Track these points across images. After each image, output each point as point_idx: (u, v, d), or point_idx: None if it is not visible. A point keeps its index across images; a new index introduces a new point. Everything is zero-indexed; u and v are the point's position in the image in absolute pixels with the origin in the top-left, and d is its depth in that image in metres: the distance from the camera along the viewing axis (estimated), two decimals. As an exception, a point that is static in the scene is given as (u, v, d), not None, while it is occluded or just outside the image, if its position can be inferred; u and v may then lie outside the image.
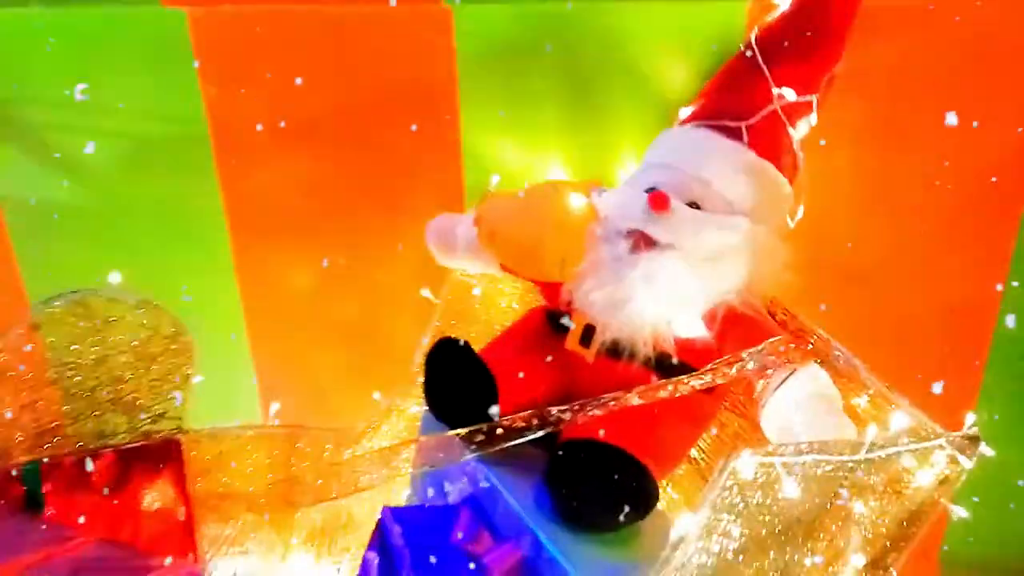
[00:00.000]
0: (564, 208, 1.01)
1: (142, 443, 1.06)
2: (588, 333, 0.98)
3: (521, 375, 0.98)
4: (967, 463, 0.74)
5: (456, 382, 0.97)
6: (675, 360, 0.94)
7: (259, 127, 1.19)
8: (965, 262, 1.20)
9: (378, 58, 1.19)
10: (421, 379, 1.02)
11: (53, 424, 1.11)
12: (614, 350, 0.95)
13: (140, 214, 1.23)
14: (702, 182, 0.96)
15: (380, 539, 0.98)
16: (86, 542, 1.00)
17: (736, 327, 0.94)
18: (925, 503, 0.77)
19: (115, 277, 1.06)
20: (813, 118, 1.04)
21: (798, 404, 0.87)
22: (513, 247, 1.02)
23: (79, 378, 1.10)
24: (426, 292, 1.19)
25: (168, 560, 1.02)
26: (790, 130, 1.03)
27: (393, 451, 1.05)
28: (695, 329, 0.94)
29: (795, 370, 0.90)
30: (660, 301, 0.92)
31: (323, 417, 1.19)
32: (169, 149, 1.22)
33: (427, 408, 1.00)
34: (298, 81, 1.17)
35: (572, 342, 0.99)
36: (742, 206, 0.96)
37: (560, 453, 0.92)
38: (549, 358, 1.02)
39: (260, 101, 1.18)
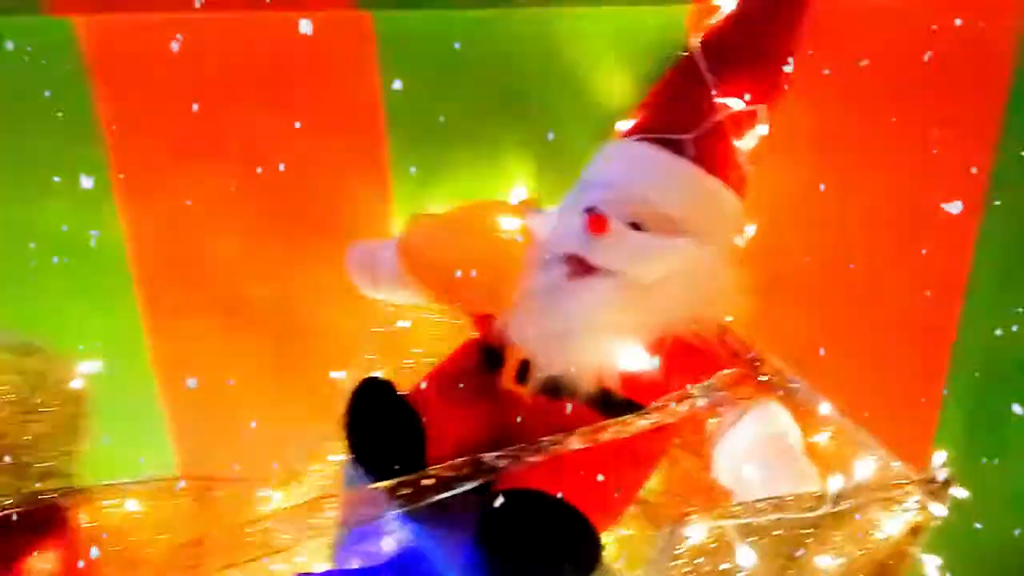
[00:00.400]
0: (495, 232, 0.94)
1: (21, 509, 0.93)
2: (524, 369, 0.90)
3: (452, 418, 0.91)
4: (940, 510, 0.66)
5: (379, 427, 0.89)
6: (619, 397, 0.87)
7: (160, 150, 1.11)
8: (923, 279, 1.13)
9: (293, 71, 1.10)
10: (342, 424, 0.92)
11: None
12: (552, 388, 0.88)
13: (25, 247, 1.10)
14: (644, 201, 0.89)
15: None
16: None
17: (684, 358, 0.88)
18: (895, 554, 0.69)
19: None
20: (762, 129, 0.97)
21: (752, 449, 0.79)
22: (439, 276, 0.93)
23: None
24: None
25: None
26: (737, 142, 0.95)
27: (313, 507, 0.94)
28: (640, 362, 0.87)
29: (749, 408, 0.81)
30: (601, 332, 0.86)
31: (241, 464, 1.12)
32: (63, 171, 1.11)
33: (350, 456, 0.92)
34: (195, 104, 1.07)
35: (507, 380, 0.92)
36: (687, 226, 0.89)
37: (493, 507, 0.82)
38: (483, 397, 0.94)
39: (162, 120, 1.09)
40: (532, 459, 0.85)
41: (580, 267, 0.87)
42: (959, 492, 0.69)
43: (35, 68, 1.06)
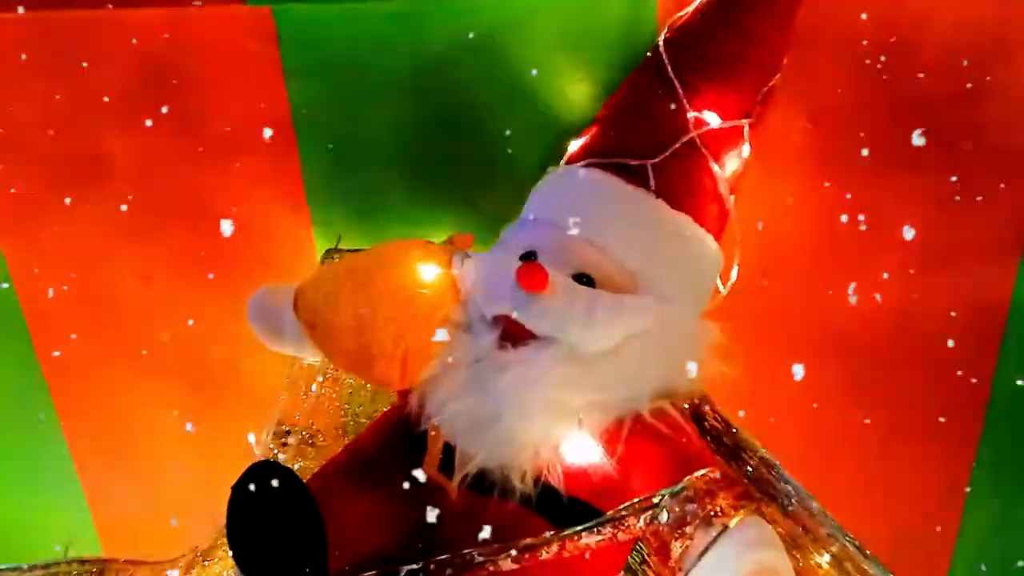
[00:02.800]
0: (409, 282, 0.76)
1: None
2: (449, 456, 0.76)
3: (361, 514, 0.77)
4: None
5: (270, 526, 0.73)
6: (564, 497, 0.72)
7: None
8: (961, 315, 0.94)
9: (193, 74, 0.95)
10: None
11: None
12: (482, 482, 0.73)
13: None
14: (595, 247, 0.74)
15: None
16: None
17: (646, 449, 0.72)
18: None
19: None
20: (745, 150, 0.78)
21: None
22: (337, 338, 0.76)
23: None
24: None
25: None
26: (714, 168, 0.78)
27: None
28: (589, 453, 0.71)
29: (726, 527, 0.63)
30: (539, 416, 0.71)
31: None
32: None
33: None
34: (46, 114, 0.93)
35: (430, 468, 0.76)
36: (649, 279, 0.74)
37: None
38: (401, 487, 0.76)
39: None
40: (454, 576, 0.68)
41: (513, 332, 0.72)
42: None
43: None
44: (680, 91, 0.77)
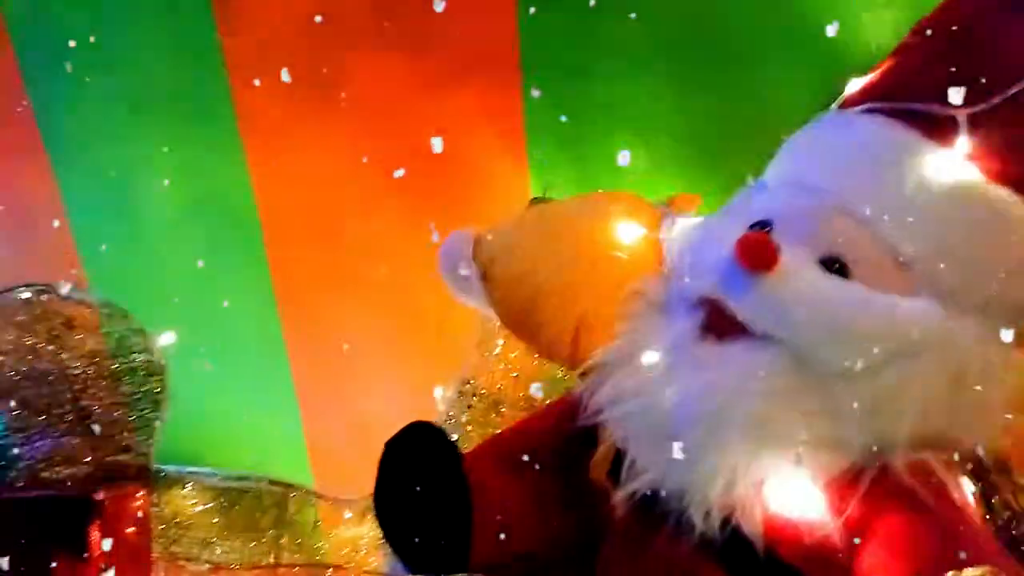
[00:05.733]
0: (601, 239, 0.64)
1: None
2: (619, 462, 0.64)
3: (513, 505, 0.68)
4: None
5: (415, 498, 0.67)
6: (759, 551, 0.57)
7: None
8: None
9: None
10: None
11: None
12: (655, 505, 0.60)
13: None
14: (858, 222, 0.57)
15: None
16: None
17: (890, 515, 0.54)
18: None
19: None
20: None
21: None
22: (508, 292, 0.67)
23: (32, 390, 0.97)
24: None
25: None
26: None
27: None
28: (806, 503, 0.56)
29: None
30: (739, 438, 0.57)
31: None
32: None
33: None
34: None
35: (597, 469, 0.66)
36: (935, 274, 0.56)
37: None
38: (563, 483, 0.69)
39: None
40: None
41: (720, 321, 0.58)
42: None
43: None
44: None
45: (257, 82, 1.05)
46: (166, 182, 1.07)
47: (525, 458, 0.70)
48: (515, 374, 0.95)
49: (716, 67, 0.81)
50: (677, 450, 0.57)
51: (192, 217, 1.09)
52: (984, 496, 0.57)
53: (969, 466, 0.56)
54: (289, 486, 1.05)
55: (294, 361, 1.16)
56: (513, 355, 0.96)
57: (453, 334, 1.02)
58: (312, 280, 1.12)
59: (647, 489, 0.60)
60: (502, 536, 0.67)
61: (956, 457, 0.56)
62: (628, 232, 0.64)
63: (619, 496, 0.62)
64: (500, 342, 0.90)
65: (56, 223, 1.10)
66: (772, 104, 0.76)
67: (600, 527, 0.67)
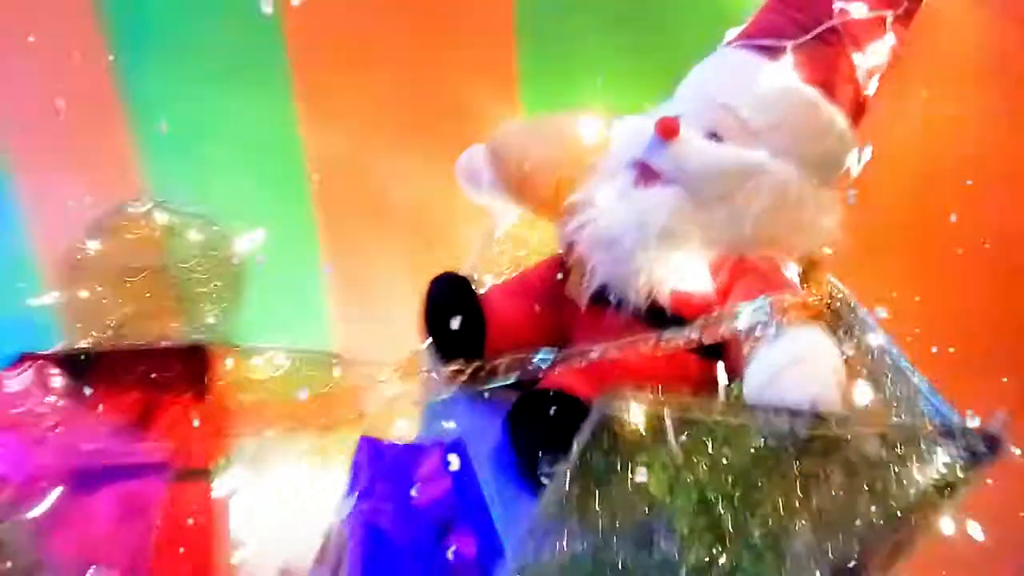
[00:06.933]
0: (574, 133, 0.93)
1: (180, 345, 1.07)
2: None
3: (513, 318, 0.93)
4: (966, 468, 0.56)
5: (447, 314, 0.92)
6: (668, 314, 0.83)
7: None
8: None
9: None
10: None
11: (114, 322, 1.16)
12: (603, 297, 0.86)
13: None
14: (726, 108, 0.85)
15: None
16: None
17: (744, 281, 0.81)
18: (914, 512, 0.60)
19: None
20: (888, 41, 0.84)
21: (776, 371, 0.70)
22: (512, 164, 0.94)
23: (143, 282, 1.15)
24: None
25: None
26: (854, 54, 0.84)
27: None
28: (697, 281, 0.82)
29: (789, 329, 0.73)
30: (656, 244, 0.82)
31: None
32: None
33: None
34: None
35: (570, 287, 0.91)
36: (772, 139, 0.83)
37: (521, 399, 0.83)
38: (549, 303, 0.94)
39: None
40: (573, 363, 0.85)
41: (645, 173, 0.84)
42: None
43: None
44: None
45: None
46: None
47: (523, 288, 0.96)
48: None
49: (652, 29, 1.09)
50: (619, 254, 0.83)
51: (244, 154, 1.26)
52: (802, 282, 0.85)
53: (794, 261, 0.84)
54: (336, 355, 1.11)
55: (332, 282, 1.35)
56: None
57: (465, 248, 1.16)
58: (349, 209, 1.30)
59: (600, 283, 0.85)
60: (509, 338, 0.90)
61: (787, 254, 0.84)
62: (592, 127, 0.93)
63: (584, 290, 0.87)
64: (498, 235, 1.09)
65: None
66: (685, 48, 0.98)
67: (572, 320, 0.92)
